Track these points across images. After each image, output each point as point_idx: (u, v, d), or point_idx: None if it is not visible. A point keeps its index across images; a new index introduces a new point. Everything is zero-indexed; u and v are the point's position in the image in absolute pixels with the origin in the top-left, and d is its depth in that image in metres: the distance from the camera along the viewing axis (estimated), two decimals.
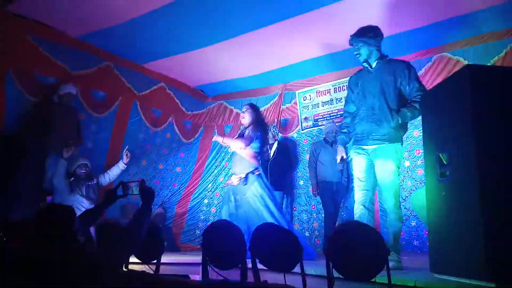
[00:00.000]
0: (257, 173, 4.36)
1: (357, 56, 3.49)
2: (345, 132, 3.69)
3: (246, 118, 4.50)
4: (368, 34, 3.43)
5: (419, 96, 3.26)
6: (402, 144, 3.45)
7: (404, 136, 5.25)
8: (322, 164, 5.46)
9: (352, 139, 3.63)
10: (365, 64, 3.50)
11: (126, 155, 5.38)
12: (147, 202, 2.24)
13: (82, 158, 5.16)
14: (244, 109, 4.58)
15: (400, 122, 3.32)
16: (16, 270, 1.72)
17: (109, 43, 5.35)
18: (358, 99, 3.53)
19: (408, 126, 5.27)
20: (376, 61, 3.45)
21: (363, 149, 3.46)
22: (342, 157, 3.67)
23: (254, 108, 4.61)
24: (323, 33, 4.86)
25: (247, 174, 4.32)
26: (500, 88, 2.37)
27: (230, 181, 4.53)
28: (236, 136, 4.54)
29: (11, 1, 4.31)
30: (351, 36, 3.50)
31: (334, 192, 5.38)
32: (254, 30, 4.90)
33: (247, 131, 4.43)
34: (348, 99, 3.69)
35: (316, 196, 5.64)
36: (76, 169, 5.06)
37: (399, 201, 3.39)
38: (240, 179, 4.33)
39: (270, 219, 4.02)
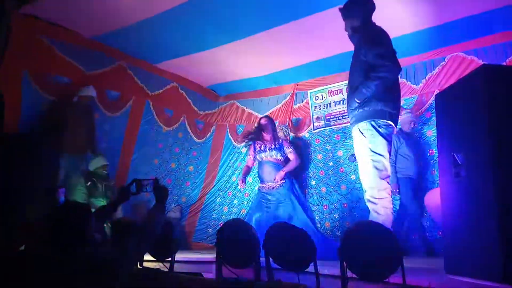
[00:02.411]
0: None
1: (346, 30, 3.34)
2: None
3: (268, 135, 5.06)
4: (356, 6, 3.24)
5: (379, 63, 2.96)
6: (373, 121, 3.07)
7: (417, 135, 5.14)
8: (405, 159, 4.97)
9: None
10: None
11: None
12: (161, 200, 2.27)
13: (104, 158, 5.16)
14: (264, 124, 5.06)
15: (358, 101, 3.04)
16: (33, 270, 1.75)
17: (123, 43, 5.41)
18: None
19: (422, 126, 5.31)
20: (355, 38, 3.23)
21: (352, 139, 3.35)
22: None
23: (272, 122, 5.19)
24: (335, 32, 4.84)
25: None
26: None
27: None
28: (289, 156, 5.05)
29: (25, 3, 4.37)
30: (339, 9, 3.32)
31: (416, 190, 4.98)
32: (266, 30, 4.91)
33: (285, 148, 5.05)
34: None
35: (396, 195, 5.01)
36: (99, 169, 5.05)
37: (371, 188, 3.00)
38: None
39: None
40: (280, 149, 5.00)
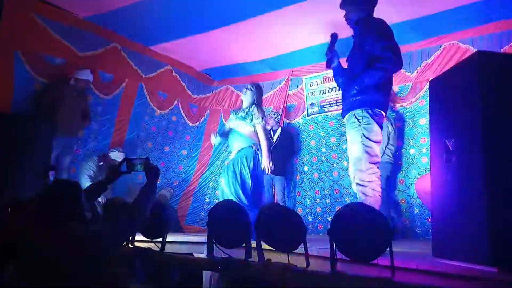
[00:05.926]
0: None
1: (347, 21, 3.37)
2: None
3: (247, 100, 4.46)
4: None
5: (385, 55, 3.03)
6: (369, 109, 3.12)
7: (410, 123, 5.18)
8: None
9: None
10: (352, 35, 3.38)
11: None
12: (151, 180, 2.28)
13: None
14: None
15: (358, 88, 3.11)
16: (22, 247, 1.76)
17: (117, 25, 5.34)
18: None
19: (415, 114, 5.33)
20: (357, 27, 3.28)
21: (345, 125, 3.37)
22: None
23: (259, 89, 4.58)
24: (332, 18, 4.82)
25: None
26: (510, 75, 2.35)
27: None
28: (264, 125, 4.40)
29: None
30: (342, 1, 3.38)
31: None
32: (262, 14, 4.87)
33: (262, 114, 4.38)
34: None
35: None
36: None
37: (361, 171, 3.02)
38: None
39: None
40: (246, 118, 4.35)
